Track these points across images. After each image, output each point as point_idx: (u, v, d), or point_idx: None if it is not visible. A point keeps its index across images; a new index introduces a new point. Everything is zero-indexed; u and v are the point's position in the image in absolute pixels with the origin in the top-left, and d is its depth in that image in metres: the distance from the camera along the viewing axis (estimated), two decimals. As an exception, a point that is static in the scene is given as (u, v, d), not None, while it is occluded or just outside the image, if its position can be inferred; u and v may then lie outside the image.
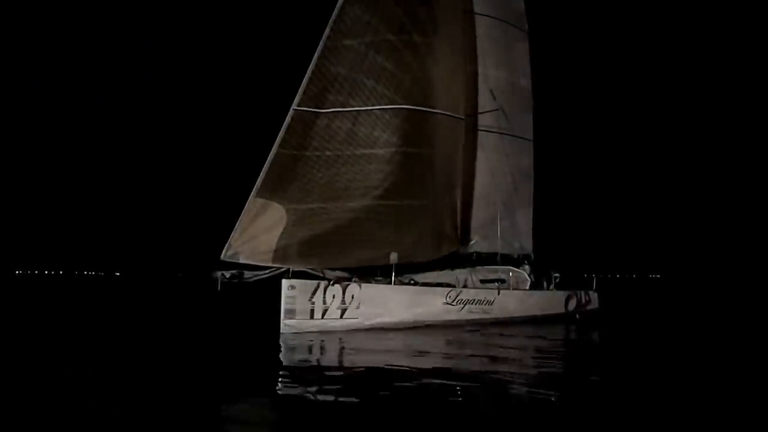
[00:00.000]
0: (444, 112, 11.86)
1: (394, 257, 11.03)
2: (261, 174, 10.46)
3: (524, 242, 16.33)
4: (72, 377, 6.41)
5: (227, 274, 10.29)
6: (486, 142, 15.58)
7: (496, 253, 15.17)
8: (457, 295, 12.11)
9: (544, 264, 16.02)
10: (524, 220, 16.48)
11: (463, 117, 12.51)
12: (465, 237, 14.83)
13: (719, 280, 78.01)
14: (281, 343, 9.33)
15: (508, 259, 15.36)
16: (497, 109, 15.15)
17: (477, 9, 15.61)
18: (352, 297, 10.79)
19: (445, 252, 12.04)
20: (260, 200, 10.38)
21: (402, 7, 11.41)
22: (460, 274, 13.85)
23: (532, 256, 16.28)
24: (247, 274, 10.36)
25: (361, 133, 10.98)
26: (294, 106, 10.67)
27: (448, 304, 11.94)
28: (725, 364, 8.13)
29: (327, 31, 10.93)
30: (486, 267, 14.62)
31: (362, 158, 11.02)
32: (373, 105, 11.04)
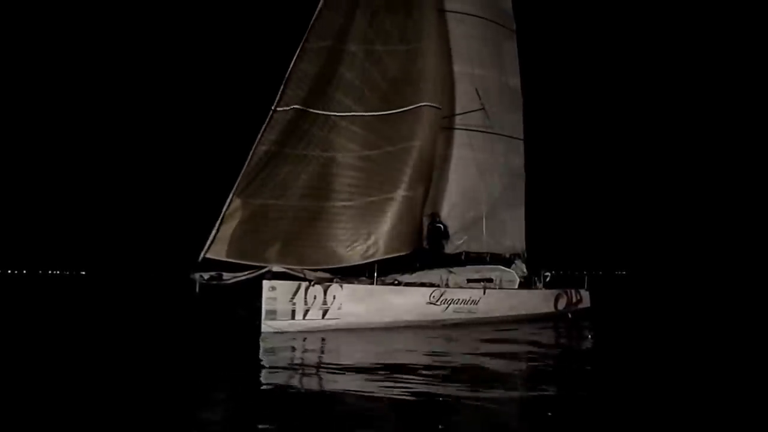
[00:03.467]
0: (413, 106, 11.77)
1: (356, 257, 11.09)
2: (241, 173, 10.60)
3: (516, 241, 16.24)
4: (51, 380, 6.46)
5: (206, 276, 10.29)
6: (474, 142, 15.55)
7: (485, 253, 15.17)
8: (441, 295, 12.06)
9: (535, 262, 15.96)
10: (515, 219, 16.36)
11: (438, 105, 12.26)
12: (453, 237, 14.83)
13: (689, 275, 77.58)
14: (262, 344, 9.36)
15: (498, 259, 15.32)
16: (481, 108, 15.10)
17: (464, 9, 15.63)
18: (334, 297, 10.80)
19: (416, 246, 12.00)
20: (238, 200, 10.50)
21: (367, 17, 11.69)
22: (445, 273, 13.80)
23: (525, 254, 16.22)
24: (226, 276, 10.39)
25: (331, 135, 11.12)
26: (273, 107, 10.84)
27: (431, 303, 11.90)
28: (725, 363, 8.10)
29: (306, 35, 11.16)
30: (473, 266, 14.57)
31: (334, 159, 11.12)
32: (341, 111, 11.30)
